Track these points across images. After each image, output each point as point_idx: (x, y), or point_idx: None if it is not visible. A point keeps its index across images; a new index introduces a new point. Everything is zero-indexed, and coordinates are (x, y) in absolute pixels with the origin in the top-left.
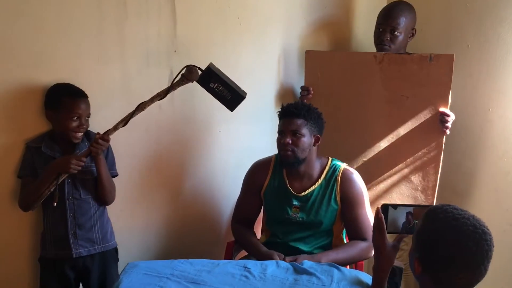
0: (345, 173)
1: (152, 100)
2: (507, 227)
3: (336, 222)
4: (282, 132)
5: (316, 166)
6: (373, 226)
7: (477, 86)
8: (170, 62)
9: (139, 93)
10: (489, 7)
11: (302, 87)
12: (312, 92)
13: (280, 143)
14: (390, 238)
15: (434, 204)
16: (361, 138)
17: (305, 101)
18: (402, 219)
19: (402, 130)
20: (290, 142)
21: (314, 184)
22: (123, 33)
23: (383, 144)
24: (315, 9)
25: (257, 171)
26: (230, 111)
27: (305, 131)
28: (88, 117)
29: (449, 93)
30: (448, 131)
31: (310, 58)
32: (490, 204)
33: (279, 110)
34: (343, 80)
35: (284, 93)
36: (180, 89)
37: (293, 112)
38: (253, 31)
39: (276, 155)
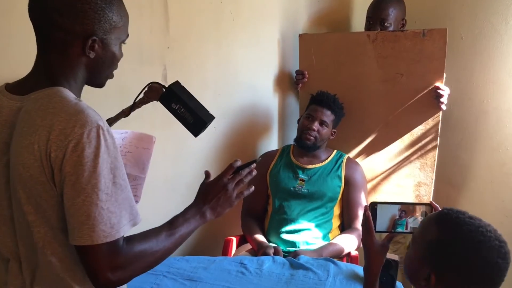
0: (350, 160)
1: (117, 117)
2: (504, 218)
3: (338, 202)
4: (311, 117)
5: (324, 152)
6: (361, 225)
7: (472, 78)
8: (164, 58)
9: (133, 91)
10: None
11: (297, 71)
12: (307, 75)
13: (306, 126)
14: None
15: (432, 195)
16: (358, 118)
17: (300, 85)
18: (392, 217)
19: (399, 108)
20: (316, 129)
21: (321, 162)
22: None
23: (380, 122)
24: (310, 2)
25: (263, 157)
26: (194, 136)
27: (330, 123)
28: None
29: (443, 67)
30: (444, 106)
31: (304, 42)
32: (486, 196)
33: (313, 95)
34: (338, 62)
35: (281, 86)
36: None
37: (328, 104)
38: (246, 26)
39: (282, 147)
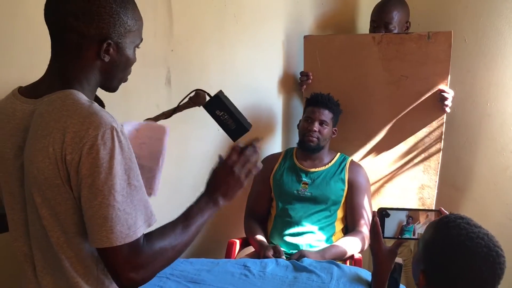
0: (353, 163)
1: (157, 118)
2: (507, 221)
3: (341, 205)
4: (310, 119)
5: (327, 154)
6: (369, 231)
7: (475, 80)
8: (167, 61)
9: (137, 93)
10: (486, 1)
11: (301, 73)
12: (311, 77)
13: (307, 129)
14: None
15: (435, 197)
16: (362, 120)
17: (305, 86)
18: (399, 223)
19: (403, 110)
20: (317, 130)
21: (324, 166)
22: None
23: (385, 125)
24: (314, 5)
25: (266, 160)
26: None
27: (330, 122)
28: None
29: (448, 70)
30: (448, 109)
31: (309, 43)
32: (490, 199)
33: (308, 98)
34: (343, 64)
35: (285, 88)
36: (179, 90)
37: (324, 103)
38: (250, 28)
39: (285, 150)
